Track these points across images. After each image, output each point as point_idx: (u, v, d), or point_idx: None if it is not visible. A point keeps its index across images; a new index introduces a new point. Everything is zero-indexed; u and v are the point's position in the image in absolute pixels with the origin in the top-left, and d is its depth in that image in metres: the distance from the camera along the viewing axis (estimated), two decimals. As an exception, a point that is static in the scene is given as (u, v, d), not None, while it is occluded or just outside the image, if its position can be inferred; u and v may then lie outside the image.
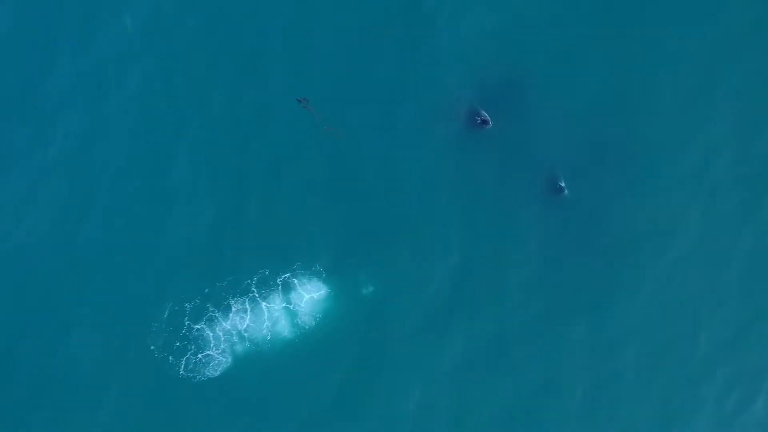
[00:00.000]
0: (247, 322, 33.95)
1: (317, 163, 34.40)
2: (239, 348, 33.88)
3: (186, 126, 34.68)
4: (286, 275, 34.19)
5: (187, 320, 33.97)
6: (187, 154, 34.59)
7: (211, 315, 34.03)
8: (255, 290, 34.11)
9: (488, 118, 34.07)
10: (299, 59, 34.75)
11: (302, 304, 34.05)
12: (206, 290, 34.06)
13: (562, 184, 33.93)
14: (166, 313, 33.90)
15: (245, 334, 33.93)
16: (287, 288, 34.18)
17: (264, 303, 34.09)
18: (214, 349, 33.91)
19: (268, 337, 33.89)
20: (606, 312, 33.66)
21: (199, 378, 33.76)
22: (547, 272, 33.86)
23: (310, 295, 34.15)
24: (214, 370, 33.80)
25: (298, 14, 35.06)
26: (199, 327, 33.88)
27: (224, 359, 33.87)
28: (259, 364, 33.74)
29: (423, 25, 34.78)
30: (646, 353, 33.54)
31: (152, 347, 33.76)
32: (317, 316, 34.00)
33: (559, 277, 33.83)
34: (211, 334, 33.93)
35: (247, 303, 34.05)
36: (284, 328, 33.98)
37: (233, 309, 34.02)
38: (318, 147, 34.34)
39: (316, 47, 34.81)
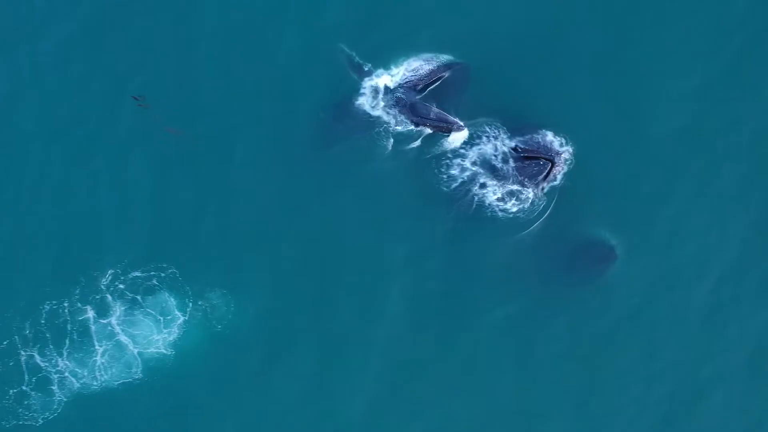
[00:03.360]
0: (68, 346, 24.13)
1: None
2: (63, 384, 24.06)
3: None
4: (128, 288, 24.36)
5: (-7, 342, 24.24)
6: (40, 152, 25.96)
7: (25, 336, 24.13)
8: (80, 301, 24.32)
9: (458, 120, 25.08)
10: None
11: (151, 332, 24.26)
12: (22, 303, 24.46)
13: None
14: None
15: (71, 365, 24.10)
16: (128, 303, 24.39)
17: (96, 320, 24.21)
18: (27, 385, 23.85)
19: (102, 373, 24.04)
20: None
21: (11, 424, 23.91)
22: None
23: (162, 318, 24.21)
24: (30, 414, 23.83)
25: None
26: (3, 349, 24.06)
27: (44, 398, 23.96)
28: (91, 409, 23.98)
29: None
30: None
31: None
32: (169, 347, 24.17)
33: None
34: (24, 363, 23.93)
35: (70, 320, 24.16)
36: (127, 361, 24.19)
37: (57, 328, 24.13)
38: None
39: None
